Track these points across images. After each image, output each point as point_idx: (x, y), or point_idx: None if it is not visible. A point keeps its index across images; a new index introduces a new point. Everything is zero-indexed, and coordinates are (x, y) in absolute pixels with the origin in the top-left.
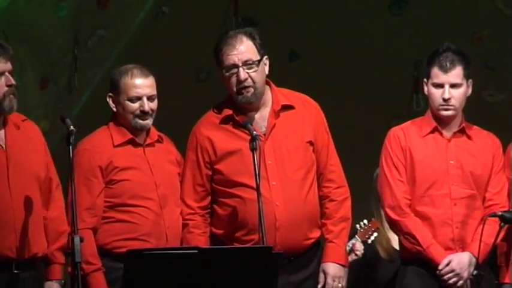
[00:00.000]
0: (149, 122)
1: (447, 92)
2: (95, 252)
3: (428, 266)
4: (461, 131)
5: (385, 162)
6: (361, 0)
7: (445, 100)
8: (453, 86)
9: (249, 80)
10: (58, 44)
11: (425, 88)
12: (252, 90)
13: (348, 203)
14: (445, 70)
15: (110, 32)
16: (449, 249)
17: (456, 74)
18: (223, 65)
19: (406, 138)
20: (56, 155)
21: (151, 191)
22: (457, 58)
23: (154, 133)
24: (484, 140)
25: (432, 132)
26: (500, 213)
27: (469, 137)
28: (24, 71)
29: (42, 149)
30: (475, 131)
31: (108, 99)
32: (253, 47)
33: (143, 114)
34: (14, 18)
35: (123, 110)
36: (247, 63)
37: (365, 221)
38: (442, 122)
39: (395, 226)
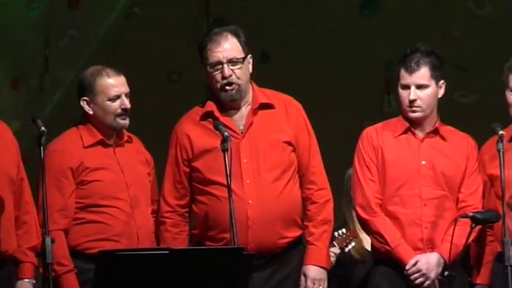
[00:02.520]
0: (127, 121)
1: (412, 93)
2: (67, 254)
3: (397, 266)
4: (435, 132)
5: (357, 161)
6: (332, 1)
7: (410, 101)
8: (419, 87)
9: (233, 76)
10: (29, 44)
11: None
12: (236, 87)
13: (330, 205)
14: (410, 71)
15: (81, 33)
16: (418, 249)
17: (422, 75)
18: (207, 62)
19: (378, 138)
20: (27, 155)
21: (122, 191)
22: (423, 59)
23: (124, 133)
24: (459, 141)
25: (405, 132)
26: (471, 214)
27: (442, 138)
28: None
29: (13, 150)
30: (450, 131)
31: (82, 103)
32: (238, 44)
33: (124, 112)
34: None
35: (103, 111)
36: (232, 61)
37: (343, 230)
38: (413, 123)
39: (365, 225)
